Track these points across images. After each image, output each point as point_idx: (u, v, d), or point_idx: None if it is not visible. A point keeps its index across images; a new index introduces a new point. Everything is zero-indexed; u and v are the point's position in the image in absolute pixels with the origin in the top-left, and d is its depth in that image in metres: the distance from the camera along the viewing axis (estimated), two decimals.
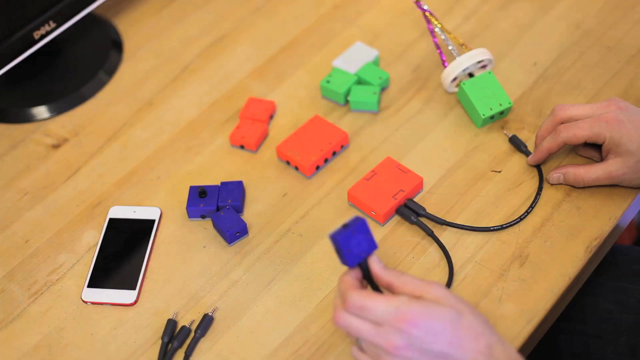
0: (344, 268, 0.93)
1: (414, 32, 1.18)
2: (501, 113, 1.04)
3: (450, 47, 1.07)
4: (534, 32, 1.15)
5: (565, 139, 0.94)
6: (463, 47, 1.08)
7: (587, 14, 1.16)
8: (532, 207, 0.96)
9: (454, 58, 1.07)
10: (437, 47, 1.07)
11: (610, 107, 0.93)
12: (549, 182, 0.98)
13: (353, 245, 0.79)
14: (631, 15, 1.15)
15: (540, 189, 0.97)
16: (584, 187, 0.97)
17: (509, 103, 1.03)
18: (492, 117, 1.04)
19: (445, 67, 1.06)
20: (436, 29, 1.07)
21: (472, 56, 1.04)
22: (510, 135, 1.02)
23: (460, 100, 1.06)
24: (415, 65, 1.13)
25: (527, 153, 1.00)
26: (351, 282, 0.79)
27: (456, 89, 1.08)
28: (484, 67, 1.07)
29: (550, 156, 0.99)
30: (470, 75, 1.07)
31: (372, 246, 0.80)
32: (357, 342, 0.80)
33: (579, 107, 0.95)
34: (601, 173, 0.94)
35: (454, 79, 1.07)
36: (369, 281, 0.81)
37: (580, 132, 0.93)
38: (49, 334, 0.92)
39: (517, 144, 1.01)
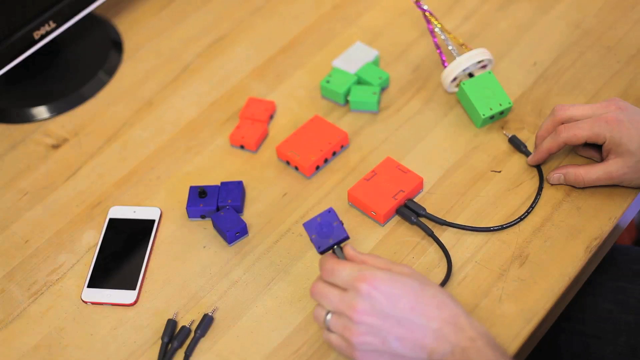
0: None
1: (413, 32, 1.18)
2: (501, 113, 1.04)
3: (450, 47, 1.07)
4: (534, 32, 1.15)
5: (566, 139, 0.94)
6: (463, 47, 1.08)
7: (586, 14, 1.16)
8: (532, 207, 0.96)
9: (454, 58, 1.07)
10: (437, 47, 1.07)
11: (610, 107, 0.93)
12: (549, 183, 0.98)
13: (318, 231, 0.86)
14: (631, 15, 1.15)
15: (540, 189, 0.97)
16: (584, 188, 0.97)
17: (509, 103, 1.03)
18: (492, 117, 1.04)
19: (445, 67, 1.06)
20: (436, 29, 1.07)
21: (472, 56, 1.04)
22: (509, 136, 1.02)
23: (460, 100, 1.06)
24: (415, 65, 1.13)
25: (526, 153, 1.00)
26: (329, 256, 0.84)
27: (456, 89, 1.08)
28: (484, 67, 1.07)
29: (550, 156, 0.99)
30: (470, 75, 1.07)
31: (341, 233, 0.86)
32: (324, 324, 0.81)
33: (579, 107, 0.95)
34: (601, 173, 0.94)
35: (454, 79, 1.07)
36: None
37: (580, 133, 0.93)
38: (48, 334, 0.92)
39: (516, 144, 1.01)
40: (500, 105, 1.03)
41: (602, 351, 1.02)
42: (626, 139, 0.91)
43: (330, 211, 0.88)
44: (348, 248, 0.85)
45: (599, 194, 0.96)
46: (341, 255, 0.85)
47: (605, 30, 1.14)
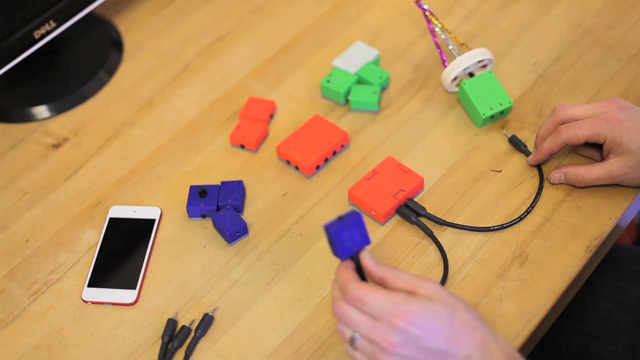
0: None
1: (414, 32, 1.18)
2: (501, 113, 1.04)
3: (450, 47, 1.07)
4: (534, 32, 1.15)
5: (566, 139, 0.94)
6: (463, 47, 1.08)
7: (587, 14, 1.16)
8: (532, 206, 0.96)
9: (454, 58, 1.07)
10: (438, 46, 1.07)
11: (610, 106, 0.93)
12: (549, 182, 0.98)
13: (345, 238, 0.79)
14: (631, 15, 1.15)
15: (540, 188, 0.97)
16: (584, 187, 0.97)
17: (509, 103, 1.03)
18: (492, 117, 1.04)
19: (445, 66, 1.06)
20: (436, 29, 1.07)
21: (472, 56, 1.04)
22: (509, 135, 1.02)
23: (460, 99, 1.06)
24: (416, 64, 1.13)
25: (527, 153, 1.00)
26: (350, 273, 0.79)
27: (456, 89, 1.08)
28: (484, 66, 1.07)
29: (550, 156, 0.99)
30: (471, 74, 1.07)
31: (365, 241, 0.80)
32: (350, 340, 0.79)
33: (579, 107, 0.95)
34: (602, 173, 0.94)
35: (454, 79, 1.07)
36: (361, 275, 0.81)
37: (581, 132, 0.93)
38: (49, 334, 0.92)
39: (516, 144, 1.01)
40: (501, 104, 1.03)
41: (602, 351, 1.02)
42: (627, 138, 0.91)
43: (356, 215, 0.80)
44: (365, 258, 0.81)
45: (599, 194, 0.96)
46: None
47: (605, 30, 1.14)
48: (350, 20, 1.21)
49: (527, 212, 0.95)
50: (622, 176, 0.93)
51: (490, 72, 1.04)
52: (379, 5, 1.22)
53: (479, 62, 1.06)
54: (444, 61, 1.07)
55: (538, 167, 0.99)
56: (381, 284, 0.80)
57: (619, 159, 0.92)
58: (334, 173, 1.03)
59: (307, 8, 1.23)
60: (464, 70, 1.06)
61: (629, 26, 1.14)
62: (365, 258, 0.80)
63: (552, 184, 0.98)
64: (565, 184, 0.97)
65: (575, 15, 1.17)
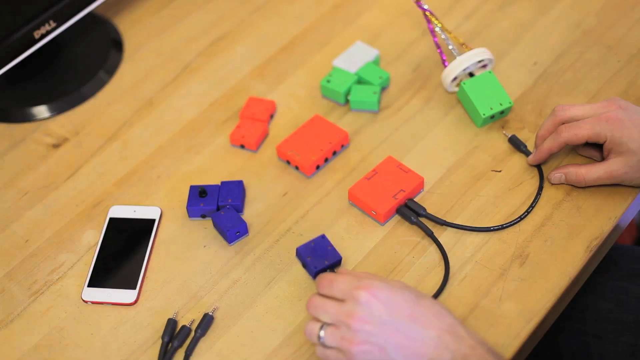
0: (347, 268, 0.93)
1: (414, 32, 1.18)
2: (501, 113, 1.04)
3: (450, 47, 1.07)
4: (534, 32, 1.15)
5: (567, 139, 0.94)
6: (463, 47, 1.08)
7: (587, 14, 1.16)
8: (532, 206, 0.96)
9: (454, 58, 1.07)
10: (438, 46, 1.07)
11: (610, 106, 0.93)
12: (550, 182, 0.98)
13: (313, 254, 0.91)
14: (631, 15, 1.15)
15: (540, 188, 0.97)
16: (584, 187, 0.97)
17: (509, 103, 1.03)
18: (492, 117, 1.04)
19: (445, 66, 1.06)
20: (436, 29, 1.07)
21: (472, 56, 1.04)
22: (509, 136, 1.02)
23: (460, 99, 1.06)
24: (416, 64, 1.13)
25: (526, 153, 1.00)
26: (326, 272, 0.87)
27: (456, 89, 1.08)
28: (484, 66, 1.07)
29: (551, 156, 0.99)
30: (471, 74, 1.07)
31: (335, 256, 0.92)
32: (318, 339, 0.81)
33: (579, 107, 0.95)
34: (602, 172, 0.94)
35: (454, 79, 1.07)
36: None
37: (581, 132, 0.93)
38: (49, 334, 0.92)
39: (516, 144, 1.01)
40: (501, 104, 1.03)
41: (602, 351, 1.02)
42: (627, 138, 0.91)
43: (323, 237, 0.93)
44: (342, 269, 0.86)
45: (599, 194, 0.96)
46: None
47: (605, 30, 1.14)
48: (350, 20, 1.21)
49: (527, 212, 0.95)
50: (622, 176, 0.93)
51: (490, 72, 1.04)
52: (379, 5, 1.22)
53: (479, 62, 1.06)
54: (444, 61, 1.07)
55: (538, 167, 0.99)
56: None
57: (619, 159, 0.92)
58: (334, 173, 1.03)
59: (307, 8, 1.23)
60: (464, 70, 1.06)
61: (629, 26, 1.14)
62: (341, 269, 0.86)
63: (553, 184, 0.98)
64: (566, 184, 0.97)
65: (575, 15, 1.17)
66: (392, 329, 0.77)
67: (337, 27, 1.20)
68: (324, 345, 0.81)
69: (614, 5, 1.17)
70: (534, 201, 0.96)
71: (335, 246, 0.95)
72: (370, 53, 1.13)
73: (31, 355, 0.90)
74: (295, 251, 0.95)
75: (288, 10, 1.24)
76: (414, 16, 1.19)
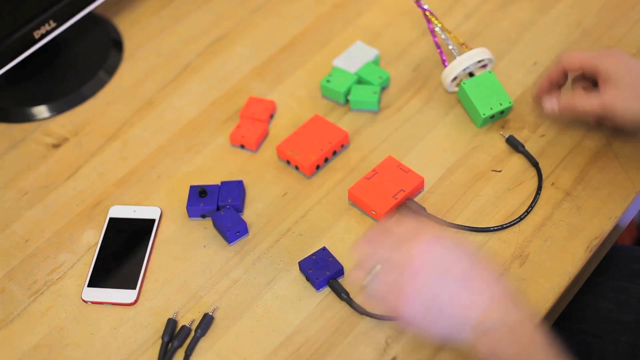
0: (346, 268, 0.93)
1: (414, 32, 1.18)
2: (501, 113, 1.04)
3: (450, 47, 1.07)
4: (535, 32, 1.15)
5: (564, 63, 0.97)
6: (463, 47, 1.08)
7: (587, 14, 1.16)
8: (531, 206, 0.96)
9: (454, 57, 1.07)
10: (437, 46, 1.07)
11: (611, 49, 0.97)
12: (543, 107, 0.99)
13: (315, 266, 0.92)
14: (631, 15, 1.15)
15: (539, 188, 0.97)
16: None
17: (509, 103, 1.03)
18: (492, 117, 1.04)
19: (445, 66, 1.06)
20: (436, 29, 1.07)
21: (472, 55, 1.04)
22: (507, 136, 1.02)
23: (460, 99, 1.06)
24: (416, 64, 1.13)
25: (525, 153, 1.00)
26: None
27: (456, 89, 1.08)
28: (484, 66, 1.07)
29: (551, 86, 1.00)
30: (471, 74, 1.07)
31: (337, 266, 0.92)
32: (371, 276, 0.78)
33: (582, 52, 0.97)
34: (595, 101, 0.94)
35: (454, 79, 1.07)
36: (339, 295, 0.90)
37: (578, 55, 0.95)
38: (49, 334, 0.92)
39: (514, 144, 1.01)
40: (501, 104, 1.03)
41: (602, 351, 1.02)
42: (624, 70, 0.92)
43: (324, 249, 0.93)
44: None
45: (599, 194, 0.96)
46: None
47: (605, 30, 1.14)
48: (350, 20, 1.21)
49: (527, 212, 0.95)
50: (614, 105, 0.92)
51: (490, 72, 1.04)
52: (379, 5, 1.22)
53: (479, 62, 1.06)
54: (443, 61, 1.07)
55: (537, 167, 0.99)
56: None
57: (612, 91, 0.93)
58: (334, 173, 1.03)
59: (307, 8, 1.23)
60: (464, 70, 1.06)
61: (629, 26, 1.14)
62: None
63: (545, 111, 0.99)
64: (557, 114, 0.98)
65: (575, 15, 1.17)
66: (442, 287, 0.76)
67: (337, 27, 1.20)
68: (374, 286, 0.78)
69: (614, 5, 1.17)
70: (533, 201, 0.96)
71: (335, 246, 0.95)
72: (370, 53, 1.13)
73: (31, 355, 0.90)
74: (294, 252, 0.95)
75: (288, 10, 1.24)
76: (414, 16, 1.19)
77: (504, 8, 1.19)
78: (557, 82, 1.00)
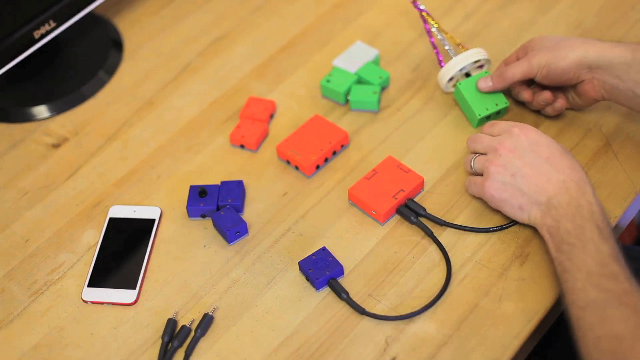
0: (346, 268, 0.93)
1: (414, 32, 1.18)
2: (497, 113, 1.04)
3: (447, 47, 1.07)
4: (534, 32, 1.15)
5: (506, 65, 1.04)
6: (460, 47, 1.08)
7: (587, 14, 1.16)
8: None
9: (451, 58, 1.07)
10: (434, 47, 1.07)
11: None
12: (478, 87, 1.02)
13: (314, 266, 0.92)
14: (631, 15, 1.15)
15: None
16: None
17: (505, 103, 1.03)
18: (488, 117, 1.04)
19: (442, 67, 1.06)
20: (433, 29, 1.07)
21: (468, 56, 1.04)
22: None
23: (457, 100, 1.06)
24: (415, 64, 1.13)
25: None
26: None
27: (453, 89, 1.08)
28: (480, 66, 1.07)
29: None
30: (467, 75, 1.07)
31: (337, 266, 0.92)
32: (471, 169, 0.96)
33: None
34: (523, 62, 0.98)
35: (451, 79, 1.07)
36: (339, 295, 0.91)
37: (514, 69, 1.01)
38: (49, 334, 0.92)
39: None
40: (497, 105, 1.03)
41: None
42: (544, 41, 0.99)
43: (324, 249, 0.93)
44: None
45: (599, 194, 0.96)
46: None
47: (605, 30, 1.14)
48: (350, 20, 1.21)
49: None
50: (540, 62, 0.97)
51: (486, 72, 1.04)
52: (379, 5, 1.22)
53: (476, 62, 1.06)
54: (440, 62, 1.07)
55: None
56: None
57: (538, 53, 0.98)
58: (334, 173, 1.03)
59: (307, 8, 1.23)
60: (460, 70, 1.06)
61: (628, 26, 1.14)
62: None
63: (481, 89, 1.02)
64: (494, 88, 1.01)
65: (575, 15, 1.17)
66: (528, 162, 0.89)
67: (337, 27, 1.20)
68: (473, 173, 0.96)
69: (614, 5, 1.17)
70: None
71: (335, 246, 0.95)
72: (370, 53, 1.13)
73: (31, 355, 0.90)
74: (294, 252, 0.95)
75: (288, 10, 1.24)
76: (414, 16, 1.19)
77: (504, 8, 1.19)
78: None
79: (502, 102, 1.03)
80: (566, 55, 0.96)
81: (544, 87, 1.02)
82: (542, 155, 0.89)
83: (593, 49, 0.95)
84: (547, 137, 0.92)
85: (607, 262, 0.82)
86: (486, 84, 1.02)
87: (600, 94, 0.98)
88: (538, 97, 1.02)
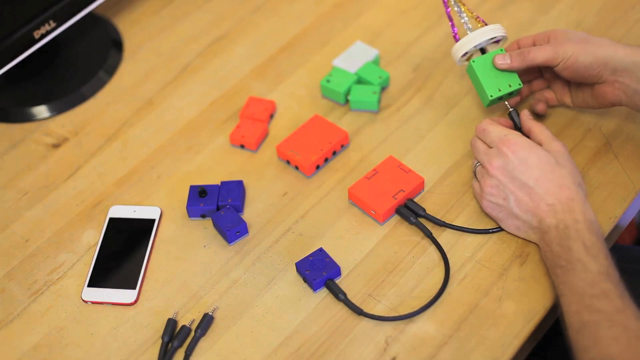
0: (346, 268, 0.93)
1: (414, 32, 1.18)
2: (510, 94, 1.01)
3: (463, 20, 1.02)
4: (534, 32, 1.15)
5: (521, 39, 1.02)
6: (476, 21, 1.02)
7: (587, 13, 1.16)
8: None
9: (466, 31, 1.01)
10: (450, 18, 1.02)
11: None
12: (495, 64, 0.99)
13: (311, 267, 0.92)
14: (631, 15, 1.15)
15: None
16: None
17: (519, 84, 0.99)
18: (500, 98, 1.01)
19: (456, 40, 1.02)
20: (451, 1, 1.02)
21: (485, 32, 1.00)
22: (510, 109, 0.99)
23: (469, 76, 1.02)
24: (415, 64, 1.13)
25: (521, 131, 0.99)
26: (486, 119, 0.96)
27: (466, 63, 1.03)
28: (497, 41, 1.03)
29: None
30: (482, 50, 1.02)
31: (334, 267, 0.92)
32: (474, 173, 0.96)
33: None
34: (547, 47, 0.96)
35: (465, 54, 1.02)
36: (336, 296, 0.91)
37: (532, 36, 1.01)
38: (49, 334, 0.92)
39: (513, 119, 0.98)
40: (510, 86, 0.99)
41: None
42: (573, 32, 0.97)
43: (321, 250, 0.93)
44: (524, 113, 0.97)
45: (599, 194, 0.96)
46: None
47: (605, 30, 1.14)
48: (350, 20, 1.21)
49: None
50: (566, 52, 0.95)
51: (502, 49, 1.00)
52: (379, 5, 1.22)
53: (491, 38, 1.03)
54: (454, 34, 1.02)
55: None
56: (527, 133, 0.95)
57: (562, 40, 0.97)
58: (334, 173, 1.03)
59: (307, 8, 1.23)
60: (475, 46, 1.02)
61: (628, 26, 1.14)
62: (524, 113, 0.97)
63: (498, 66, 0.99)
64: (510, 68, 0.99)
65: (575, 15, 1.17)
66: (517, 184, 0.89)
67: (337, 27, 1.20)
68: (475, 176, 0.96)
69: (614, 5, 1.17)
70: None
71: (335, 246, 0.95)
72: (370, 53, 1.13)
73: (31, 355, 0.90)
74: (294, 251, 0.95)
75: (288, 10, 1.24)
76: (414, 16, 1.19)
77: (504, 8, 1.19)
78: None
79: (515, 83, 1.00)
80: (595, 51, 0.95)
81: (545, 81, 1.01)
82: (531, 176, 0.89)
83: (622, 51, 0.94)
84: (537, 150, 0.90)
85: (597, 281, 0.82)
86: (504, 61, 0.99)
87: (620, 98, 0.96)
88: (540, 94, 1.02)
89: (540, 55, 0.97)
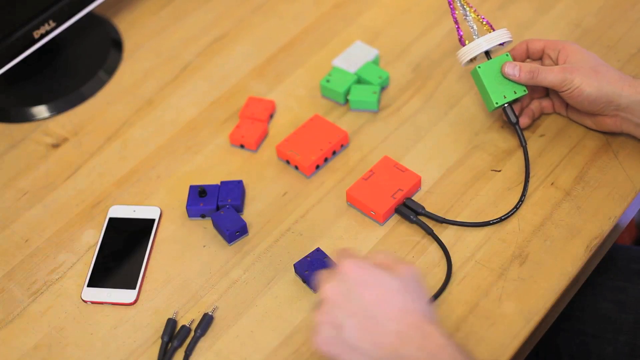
0: None
1: (414, 31, 1.18)
2: (515, 100, 1.01)
3: (469, 23, 1.01)
4: (534, 32, 1.15)
5: (530, 42, 1.01)
6: (482, 24, 1.02)
7: (587, 13, 1.16)
8: (524, 195, 0.96)
9: (471, 32, 1.01)
10: (455, 21, 1.02)
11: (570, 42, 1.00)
12: (504, 72, 0.98)
13: (310, 267, 0.91)
14: (631, 14, 1.15)
15: (527, 176, 0.97)
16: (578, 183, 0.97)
17: (524, 91, 1.00)
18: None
19: (462, 44, 1.01)
20: (457, 2, 1.02)
21: (492, 39, 1.00)
22: (506, 105, 0.99)
23: (474, 79, 1.02)
24: (415, 64, 1.13)
25: (517, 130, 1.00)
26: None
27: (471, 65, 1.04)
28: (501, 43, 1.02)
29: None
30: (487, 53, 1.02)
31: (332, 265, 0.89)
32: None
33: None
34: (557, 70, 0.95)
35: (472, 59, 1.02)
36: None
37: (542, 39, 1.00)
38: (49, 334, 0.92)
39: (507, 113, 0.99)
40: (515, 92, 0.99)
41: (601, 351, 1.02)
42: (584, 53, 0.96)
43: (318, 250, 0.93)
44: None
45: (599, 193, 0.96)
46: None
47: (605, 30, 1.14)
48: (350, 20, 1.21)
49: (521, 200, 0.95)
50: (573, 77, 0.94)
51: (507, 54, 1.00)
52: (379, 5, 1.22)
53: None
54: (460, 37, 1.02)
55: (525, 148, 0.99)
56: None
57: (572, 65, 0.95)
58: (334, 173, 1.03)
59: (307, 8, 1.23)
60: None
61: (628, 26, 1.14)
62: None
63: (506, 75, 0.98)
64: (519, 78, 0.98)
65: (575, 14, 1.17)
66: (357, 309, 0.75)
67: (337, 27, 1.20)
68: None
69: (614, 5, 1.17)
70: (524, 192, 0.96)
71: (334, 246, 0.95)
72: (370, 53, 1.13)
73: (31, 355, 0.90)
74: (294, 251, 0.95)
75: (288, 10, 1.24)
76: (414, 16, 1.19)
77: (504, 8, 1.19)
78: (520, 59, 1.02)
79: (520, 89, 0.99)
80: (602, 87, 0.93)
81: (546, 89, 1.01)
82: (370, 298, 0.75)
83: (628, 89, 0.93)
84: (379, 272, 0.77)
85: None
86: (513, 72, 0.98)
87: (620, 128, 0.97)
88: (537, 102, 1.02)
89: (549, 79, 0.95)
